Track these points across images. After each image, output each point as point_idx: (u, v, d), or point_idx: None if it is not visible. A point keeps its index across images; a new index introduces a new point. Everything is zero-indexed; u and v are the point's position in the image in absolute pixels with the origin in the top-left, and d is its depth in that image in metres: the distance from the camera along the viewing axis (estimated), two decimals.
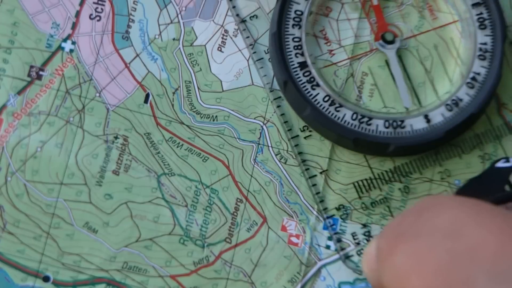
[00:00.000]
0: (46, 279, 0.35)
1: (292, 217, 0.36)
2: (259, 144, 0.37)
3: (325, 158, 0.37)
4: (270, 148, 0.37)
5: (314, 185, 0.36)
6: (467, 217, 0.20)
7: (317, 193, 0.36)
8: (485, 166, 0.37)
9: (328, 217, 0.36)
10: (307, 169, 0.36)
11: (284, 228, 0.36)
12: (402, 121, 0.35)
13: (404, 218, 0.22)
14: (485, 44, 0.36)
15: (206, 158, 0.37)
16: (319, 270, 0.36)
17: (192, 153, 0.37)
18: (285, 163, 0.37)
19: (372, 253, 0.24)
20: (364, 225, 0.36)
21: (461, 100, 0.36)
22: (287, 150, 0.37)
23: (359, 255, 0.36)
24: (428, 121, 0.35)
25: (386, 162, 0.37)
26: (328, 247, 0.36)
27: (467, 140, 0.37)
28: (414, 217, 0.22)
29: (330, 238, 0.36)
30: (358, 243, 0.36)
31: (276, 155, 0.37)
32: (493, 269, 0.19)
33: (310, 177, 0.36)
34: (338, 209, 0.36)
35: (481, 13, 0.36)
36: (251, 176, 0.37)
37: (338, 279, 0.36)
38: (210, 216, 0.36)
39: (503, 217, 0.20)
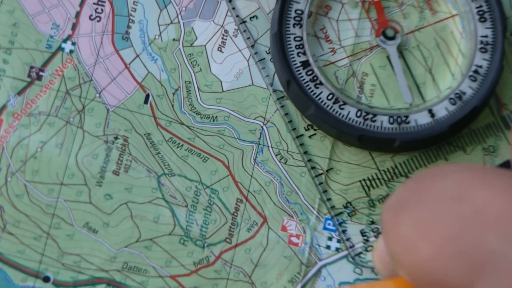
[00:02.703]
0: (46, 279, 0.35)
1: (292, 217, 0.36)
2: (259, 144, 0.37)
3: (325, 159, 0.37)
4: (270, 148, 0.37)
5: (320, 183, 0.36)
6: (472, 180, 0.20)
7: (324, 191, 0.36)
8: (488, 159, 0.37)
9: (336, 215, 0.36)
10: (313, 168, 0.36)
11: (284, 228, 0.36)
12: (407, 117, 0.35)
13: (405, 188, 0.22)
14: (485, 36, 0.36)
15: (206, 159, 0.37)
16: (319, 270, 0.36)
17: (192, 154, 0.37)
18: (285, 163, 0.37)
19: (384, 247, 0.24)
20: (372, 222, 0.36)
21: (464, 93, 0.36)
22: (287, 151, 0.37)
23: (367, 251, 0.36)
24: (432, 115, 0.36)
25: (387, 160, 0.37)
26: (328, 247, 0.36)
27: (470, 134, 0.37)
28: (416, 185, 0.21)
29: (330, 238, 0.36)
30: (367, 240, 0.36)
31: (276, 155, 0.37)
32: (503, 228, 0.18)
33: (316, 176, 0.36)
34: (345, 206, 0.36)
35: (480, 6, 0.36)
36: (251, 176, 0.37)
37: (338, 279, 0.36)
38: (210, 216, 0.36)
39: (509, 177, 0.20)
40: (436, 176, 0.21)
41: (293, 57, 0.36)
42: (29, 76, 0.37)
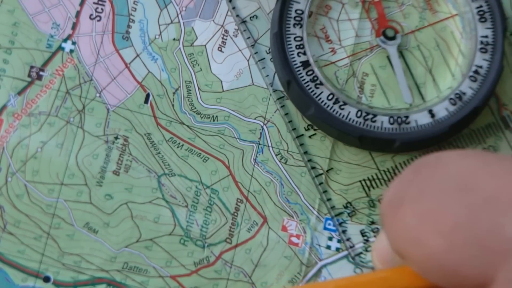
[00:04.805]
0: (46, 279, 0.35)
1: (293, 217, 0.36)
2: (259, 144, 0.37)
3: (325, 159, 0.37)
4: (271, 148, 0.37)
5: (321, 183, 0.36)
6: (476, 169, 0.19)
7: (324, 191, 0.36)
8: None
9: (336, 215, 0.36)
10: (313, 168, 0.36)
11: (284, 228, 0.36)
12: (407, 117, 0.36)
13: (401, 180, 0.21)
14: (486, 37, 0.36)
15: (206, 158, 0.37)
16: (319, 271, 0.36)
17: (192, 154, 0.37)
18: (285, 163, 0.37)
19: (383, 246, 0.24)
20: (372, 222, 0.36)
21: (464, 93, 0.36)
22: (287, 150, 0.37)
23: (368, 251, 0.36)
24: (432, 116, 0.36)
25: (387, 160, 0.37)
26: (328, 247, 0.36)
27: (470, 134, 0.37)
28: (413, 176, 0.21)
29: (330, 238, 0.36)
30: (367, 240, 0.36)
31: (276, 155, 0.37)
32: None
33: (316, 176, 0.36)
34: (346, 207, 0.36)
35: (480, 6, 0.37)
36: (252, 176, 0.37)
37: None
38: (210, 217, 0.36)
39: (511, 162, 0.19)
40: (434, 166, 0.20)
41: (293, 57, 0.36)
42: (29, 76, 0.37)
